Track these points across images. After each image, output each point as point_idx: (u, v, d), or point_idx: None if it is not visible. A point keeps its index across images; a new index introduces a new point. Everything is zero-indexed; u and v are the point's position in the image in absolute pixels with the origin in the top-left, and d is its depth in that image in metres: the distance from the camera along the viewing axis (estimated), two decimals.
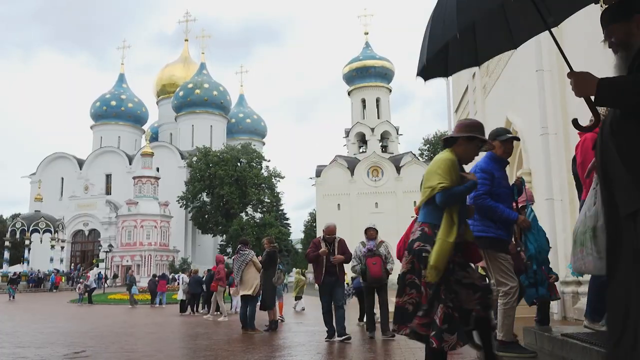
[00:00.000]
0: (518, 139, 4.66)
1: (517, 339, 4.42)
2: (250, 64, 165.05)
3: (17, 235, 45.49)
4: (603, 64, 7.47)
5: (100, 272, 42.09)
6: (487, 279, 4.80)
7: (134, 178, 56.27)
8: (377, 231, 8.05)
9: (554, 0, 2.84)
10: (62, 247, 49.29)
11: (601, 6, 4.45)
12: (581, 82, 2.27)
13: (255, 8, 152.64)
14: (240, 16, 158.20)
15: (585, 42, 7.95)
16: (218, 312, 14.71)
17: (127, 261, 53.53)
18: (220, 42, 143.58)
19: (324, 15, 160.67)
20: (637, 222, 2.09)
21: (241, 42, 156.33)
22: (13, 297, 27.78)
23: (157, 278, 23.31)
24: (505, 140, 4.49)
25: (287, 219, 62.40)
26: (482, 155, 4.18)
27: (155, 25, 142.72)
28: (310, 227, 64.97)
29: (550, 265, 5.94)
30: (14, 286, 30.47)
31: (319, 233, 59.75)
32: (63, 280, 43.74)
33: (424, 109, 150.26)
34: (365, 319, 8.45)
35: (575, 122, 2.60)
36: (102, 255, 51.01)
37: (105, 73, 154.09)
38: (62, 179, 64.75)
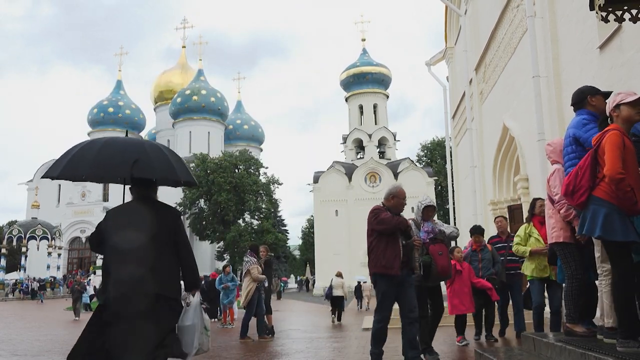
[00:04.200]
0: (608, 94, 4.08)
1: None
2: (256, 76, 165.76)
3: (14, 243, 45.26)
4: (598, 71, 7.51)
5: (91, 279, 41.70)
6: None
7: None
8: (436, 209, 5.92)
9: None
10: (59, 254, 49.05)
11: (597, 13, 4.49)
12: None
13: (261, 22, 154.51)
14: (247, 30, 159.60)
15: (580, 48, 7.99)
16: None
17: None
18: (228, 55, 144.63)
19: (326, 27, 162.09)
20: None
21: (248, 55, 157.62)
22: (42, 301, 32.23)
23: None
24: (604, 94, 4.06)
25: (285, 225, 62.34)
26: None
27: (165, 40, 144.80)
28: (308, 234, 64.86)
29: None
30: (42, 292, 35.37)
31: (317, 238, 58.31)
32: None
33: (423, 119, 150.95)
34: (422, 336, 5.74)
35: None
36: (99, 262, 50.79)
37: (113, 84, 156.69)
38: (59, 185, 64.57)
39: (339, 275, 16.41)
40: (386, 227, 5.09)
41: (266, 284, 9.75)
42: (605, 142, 3.36)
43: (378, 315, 5.15)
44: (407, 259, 5.18)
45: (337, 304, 14.78)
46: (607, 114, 3.64)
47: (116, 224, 3.46)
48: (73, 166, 3.44)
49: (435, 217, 5.88)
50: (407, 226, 5.14)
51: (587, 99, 4.15)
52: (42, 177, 3.76)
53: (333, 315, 14.53)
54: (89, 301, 23.27)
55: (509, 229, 8.29)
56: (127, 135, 3.98)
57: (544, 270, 6.02)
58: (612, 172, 3.26)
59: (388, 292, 5.09)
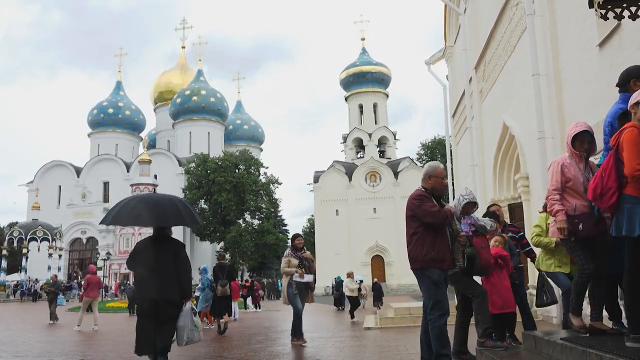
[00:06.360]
0: None
1: None
2: (258, 77, 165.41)
3: (15, 244, 45.25)
4: (598, 69, 7.50)
5: None
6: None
7: (131, 185, 56.11)
8: (476, 205, 5.44)
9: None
10: (60, 256, 49.04)
11: (596, 10, 4.48)
12: None
13: (263, 25, 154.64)
14: (249, 34, 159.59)
15: (579, 46, 7.99)
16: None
17: (126, 269, 53.34)
18: (231, 59, 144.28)
19: (326, 27, 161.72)
20: None
21: (250, 58, 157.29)
22: (67, 301, 33.72)
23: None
24: None
25: (286, 225, 62.39)
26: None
27: (170, 44, 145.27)
28: (308, 234, 64.85)
29: None
30: (67, 292, 37.45)
31: (318, 237, 58.12)
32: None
33: (423, 118, 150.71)
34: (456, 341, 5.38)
35: None
36: (100, 264, 50.80)
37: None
38: (60, 187, 64.62)
39: (350, 275, 18.51)
40: (433, 221, 4.67)
41: (302, 279, 8.69)
42: (622, 141, 3.28)
43: (438, 310, 4.59)
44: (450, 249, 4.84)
45: (344, 300, 17.01)
46: (628, 108, 3.46)
47: (140, 251, 5.35)
48: (106, 219, 5.39)
49: (474, 213, 5.51)
50: (452, 216, 4.84)
51: (629, 84, 3.85)
52: (100, 223, 6.04)
53: (350, 315, 15.68)
54: (64, 303, 22.76)
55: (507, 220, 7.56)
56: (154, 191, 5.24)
57: (563, 267, 5.41)
58: (631, 170, 3.19)
59: (441, 280, 4.66)
